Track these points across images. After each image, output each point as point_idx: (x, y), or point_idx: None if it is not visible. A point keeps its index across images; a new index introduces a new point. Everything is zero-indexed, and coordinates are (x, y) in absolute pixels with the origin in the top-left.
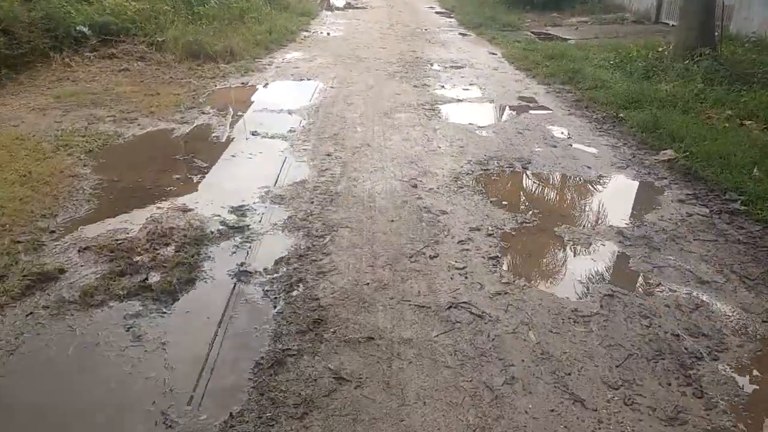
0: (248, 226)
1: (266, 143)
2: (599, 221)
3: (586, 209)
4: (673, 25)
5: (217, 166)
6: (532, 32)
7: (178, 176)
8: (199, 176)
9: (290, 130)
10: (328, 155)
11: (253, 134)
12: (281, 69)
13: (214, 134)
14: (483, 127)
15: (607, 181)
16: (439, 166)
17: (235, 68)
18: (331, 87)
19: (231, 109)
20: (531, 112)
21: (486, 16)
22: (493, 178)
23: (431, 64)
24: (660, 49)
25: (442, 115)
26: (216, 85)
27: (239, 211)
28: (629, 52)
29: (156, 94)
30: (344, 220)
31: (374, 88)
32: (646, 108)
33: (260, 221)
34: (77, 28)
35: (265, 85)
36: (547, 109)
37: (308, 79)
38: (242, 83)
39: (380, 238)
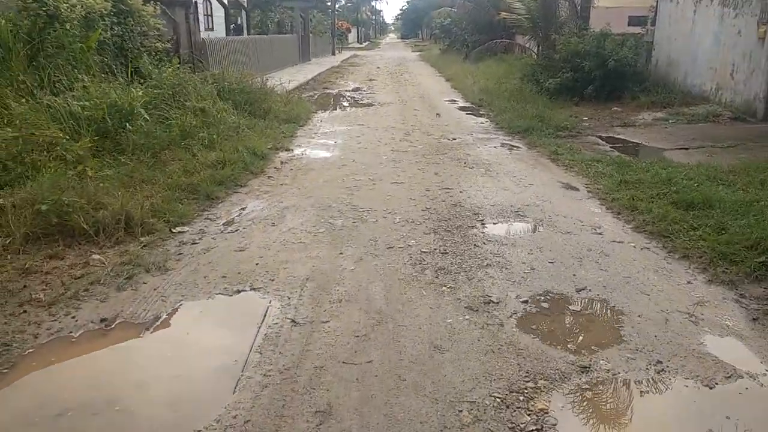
0: None
1: None
2: None
3: None
4: None
5: None
6: (599, 138)
7: None
8: None
9: None
10: None
11: None
12: (210, 255)
13: None
14: None
15: None
16: None
17: (118, 261)
18: (292, 321)
19: None
20: None
21: (529, 115)
22: None
23: (482, 222)
24: None
25: None
26: (37, 338)
27: None
28: None
29: None
30: None
31: (382, 323)
32: None
33: None
34: None
35: (154, 323)
36: None
37: (253, 289)
38: (103, 322)
39: None
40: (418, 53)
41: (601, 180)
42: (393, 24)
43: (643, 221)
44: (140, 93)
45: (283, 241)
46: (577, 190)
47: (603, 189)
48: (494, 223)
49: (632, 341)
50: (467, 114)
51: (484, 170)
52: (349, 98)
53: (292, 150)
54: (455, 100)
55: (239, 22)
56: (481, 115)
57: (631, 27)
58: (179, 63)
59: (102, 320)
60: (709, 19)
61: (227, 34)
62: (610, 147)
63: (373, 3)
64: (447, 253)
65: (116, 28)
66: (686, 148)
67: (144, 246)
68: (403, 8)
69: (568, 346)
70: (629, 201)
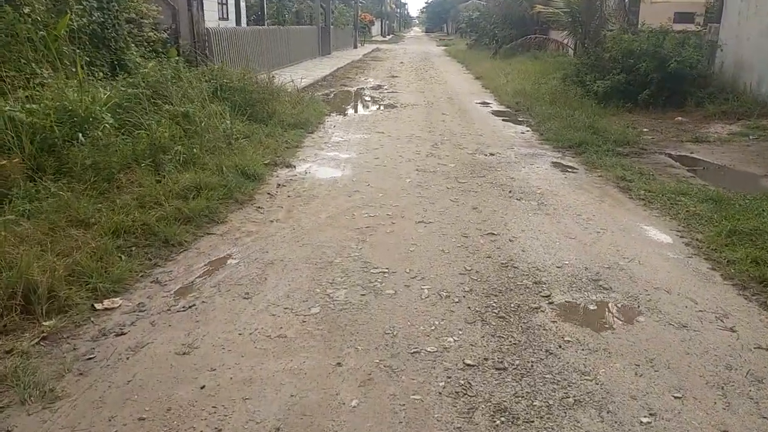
0: None
1: None
2: None
3: None
4: None
5: None
6: (670, 157)
7: None
8: None
9: None
10: None
11: None
12: (135, 364)
13: None
14: None
15: None
16: None
17: None
18: None
19: None
20: None
21: (579, 124)
22: None
23: (549, 299)
24: None
25: None
26: None
27: None
28: None
29: None
30: None
31: None
32: None
33: None
34: None
35: None
36: None
37: None
38: None
39: None
40: (443, 48)
41: (697, 226)
42: (417, 17)
43: None
44: (106, 93)
45: (254, 333)
46: (670, 241)
47: (706, 242)
48: (567, 303)
49: None
50: (503, 120)
51: (537, 204)
52: (368, 98)
53: (294, 167)
54: (488, 103)
55: (259, 12)
56: (520, 123)
57: (676, 24)
58: (178, 55)
59: None
60: None
61: (238, 24)
62: (689, 171)
63: None
64: (505, 368)
65: (96, 14)
66: None
67: (42, 339)
68: (429, 1)
69: None
70: (754, 268)
